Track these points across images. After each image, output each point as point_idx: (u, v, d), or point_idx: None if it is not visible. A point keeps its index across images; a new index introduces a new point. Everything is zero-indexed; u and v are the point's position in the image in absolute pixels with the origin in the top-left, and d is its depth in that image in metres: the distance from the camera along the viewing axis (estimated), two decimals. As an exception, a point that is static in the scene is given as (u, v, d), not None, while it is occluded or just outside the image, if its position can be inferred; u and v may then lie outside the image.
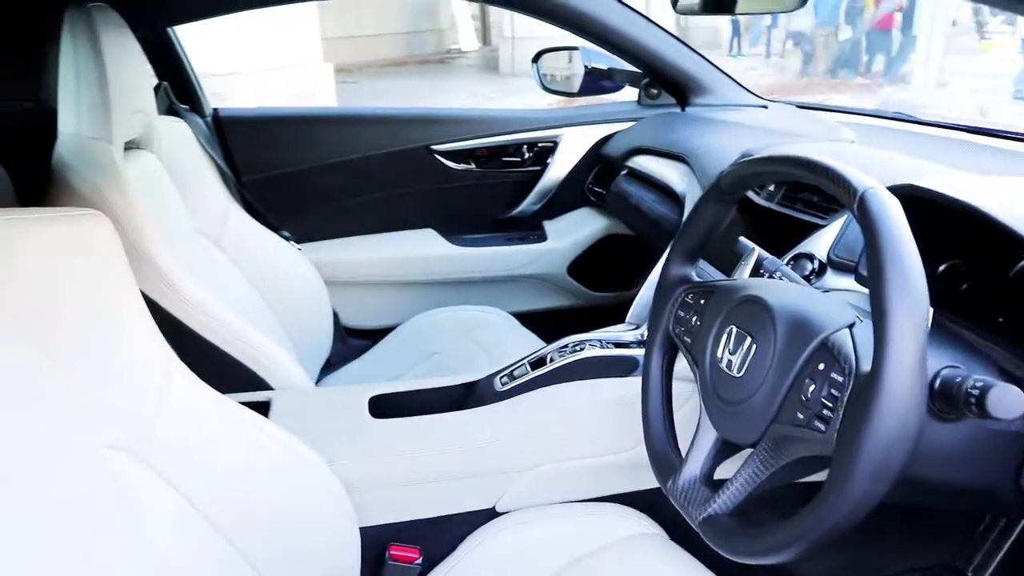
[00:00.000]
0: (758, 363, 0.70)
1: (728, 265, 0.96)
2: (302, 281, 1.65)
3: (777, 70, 10.54)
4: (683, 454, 0.80)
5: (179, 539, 0.73)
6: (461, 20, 15.02)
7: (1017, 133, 1.26)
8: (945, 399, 0.62)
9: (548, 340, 1.21)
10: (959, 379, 0.60)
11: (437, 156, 1.86)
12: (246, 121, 1.81)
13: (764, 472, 0.68)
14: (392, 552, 1.01)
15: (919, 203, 0.82)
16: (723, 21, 11.28)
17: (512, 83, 9.50)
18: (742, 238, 0.93)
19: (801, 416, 0.64)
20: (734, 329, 0.74)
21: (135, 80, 1.24)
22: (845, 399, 0.60)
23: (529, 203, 1.95)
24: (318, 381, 1.62)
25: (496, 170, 1.92)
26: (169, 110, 1.63)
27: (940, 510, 0.88)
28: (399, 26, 13.51)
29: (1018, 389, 0.57)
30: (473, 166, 1.91)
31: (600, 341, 1.15)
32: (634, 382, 0.94)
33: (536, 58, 1.98)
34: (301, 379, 1.23)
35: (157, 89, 1.63)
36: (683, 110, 1.82)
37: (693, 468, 0.76)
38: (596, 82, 1.90)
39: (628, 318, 1.27)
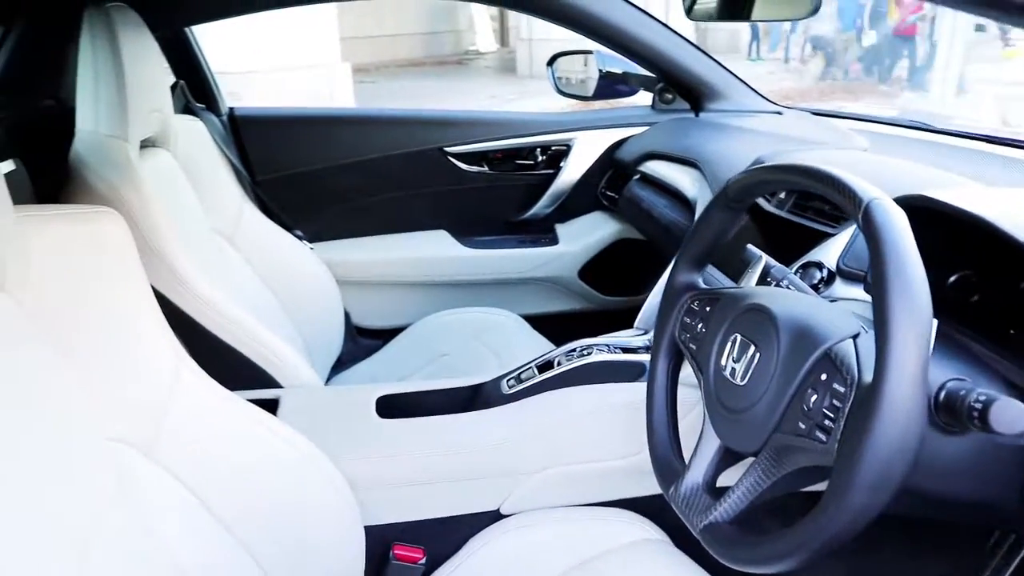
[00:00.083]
0: (761, 372, 0.70)
1: (738, 272, 0.96)
2: (314, 280, 1.66)
3: (796, 75, 10.49)
4: (687, 461, 0.80)
5: (184, 532, 0.74)
6: (479, 22, 15.07)
7: (1035, 143, 1.25)
8: (949, 412, 0.61)
9: (558, 343, 1.21)
10: (963, 392, 0.60)
11: (450, 158, 1.87)
12: (261, 120, 1.82)
13: (765, 481, 0.68)
14: (396, 551, 1.01)
15: (930, 214, 0.82)
16: (742, 25, 11.24)
17: (530, 85, 9.50)
18: (750, 246, 0.93)
19: (803, 426, 0.64)
20: (738, 337, 0.74)
21: (152, 79, 1.25)
22: (846, 410, 0.60)
23: (541, 206, 1.96)
24: (328, 379, 1.63)
25: (509, 173, 1.93)
26: (185, 109, 1.65)
27: (947, 523, 0.88)
28: (418, 27, 13.57)
29: (1021, 404, 0.57)
30: (486, 168, 1.91)
31: (608, 346, 1.15)
32: (641, 387, 0.94)
33: (551, 61, 1.99)
34: (310, 378, 1.24)
35: (174, 88, 1.65)
36: (697, 115, 1.82)
37: (695, 475, 0.76)
38: (611, 86, 1.90)
39: (636, 323, 1.27)
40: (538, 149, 1.91)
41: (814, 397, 0.63)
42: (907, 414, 0.54)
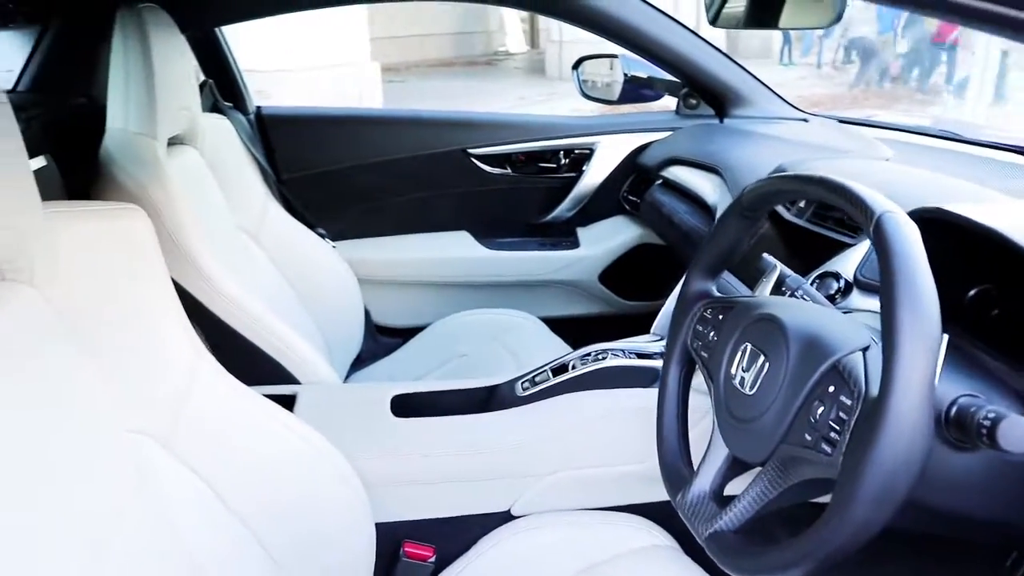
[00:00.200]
0: (770, 382, 0.70)
1: (755, 281, 0.96)
2: (336, 278, 1.68)
3: (827, 80, 10.35)
4: (695, 468, 0.80)
5: (199, 524, 0.75)
6: (509, 23, 15.09)
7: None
8: (960, 428, 0.61)
9: (576, 347, 1.22)
10: (973, 408, 0.60)
11: (473, 160, 1.88)
12: (287, 119, 1.85)
13: (772, 492, 0.68)
14: (406, 549, 1.03)
15: (948, 227, 0.81)
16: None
17: (559, 86, 9.49)
18: (765, 254, 0.93)
19: (809, 437, 0.63)
20: (748, 346, 0.74)
21: (181, 78, 1.28)
22: (852, 423, 0.59)
23: (563, 209, 1.96)
24: (348, 376, 1.65)
25: (531, 175, 1.93)
26: (213, 107, 1.68)
27: (963, 542, 0.86)
28: (448, 27, 13.62)
29: None
30: (509, 170, 1.92)
31: (623, 351, 1.15)
32: (655, 393, 0.94)
33: (576, 65, 1.99)
34: (328, 375, 1.26)
35: (203, 87, 1.68)
36: (721, 121, 1.81)
37: (703, 483, 0.76)
38: (636, 90, 1.90)
39: (653, 329, 1.27)
40: (561, 152, 1.91)
41: (821, 409, 0.63)
42: (912, 428, 0.54)
